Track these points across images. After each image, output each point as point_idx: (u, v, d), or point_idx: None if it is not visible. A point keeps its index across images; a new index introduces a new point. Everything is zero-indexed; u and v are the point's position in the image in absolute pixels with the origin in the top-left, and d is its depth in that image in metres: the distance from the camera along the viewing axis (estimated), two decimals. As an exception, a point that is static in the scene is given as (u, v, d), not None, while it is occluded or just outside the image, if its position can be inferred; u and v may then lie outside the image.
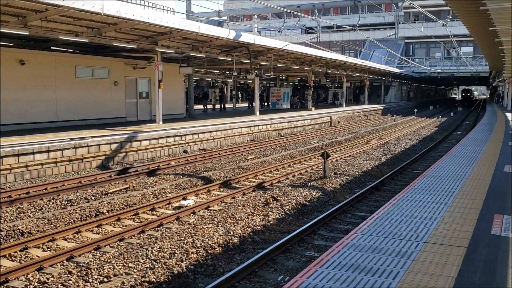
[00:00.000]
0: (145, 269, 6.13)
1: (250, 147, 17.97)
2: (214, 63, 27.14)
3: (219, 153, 16.19)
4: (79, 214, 8.67)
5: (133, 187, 10.95)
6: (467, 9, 13.42)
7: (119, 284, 5.70)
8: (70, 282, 5.77)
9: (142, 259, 6.46)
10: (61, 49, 17.45)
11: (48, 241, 7.32)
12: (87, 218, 8.65)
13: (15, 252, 6.86)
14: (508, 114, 29.91)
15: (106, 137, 13.87)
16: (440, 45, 57.75)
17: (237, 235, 7.50)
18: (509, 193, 7.11)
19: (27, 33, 13.29)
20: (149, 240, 7.23)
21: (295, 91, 43.54)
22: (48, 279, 5.90)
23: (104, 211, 9.02)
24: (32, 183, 11.22)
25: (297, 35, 52.28)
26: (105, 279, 5.84)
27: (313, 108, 32.96)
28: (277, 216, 8.71)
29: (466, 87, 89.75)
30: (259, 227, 8.00)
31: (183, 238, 7.27)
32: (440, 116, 39.00)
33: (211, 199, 9.95)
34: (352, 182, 11.91)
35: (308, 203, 9.65)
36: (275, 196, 9.95)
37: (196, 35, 17.17)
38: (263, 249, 6.90)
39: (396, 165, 14.46)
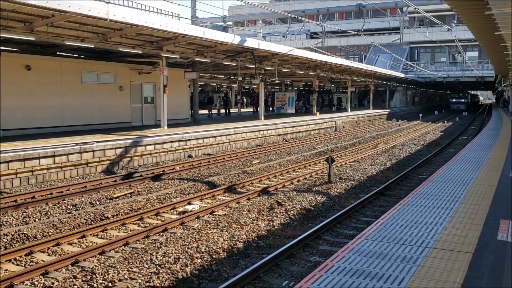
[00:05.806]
0: (149, 274, 6.13)
1: (255, 152, 17.97)
2: (219, 68, 27.22)
3: (223, 158, 16.20)
4: (84, 219, 8.70)
5: (138, 192, 10.97)
6: (472, 14, 13.38)
7: (124, 289, 5.70)
8: (75, 286, 5.78)
9: (147, 264, 6.46)
10: (67, 54, 17.56)
11: (53, 246, 7.34)
12: (92, 222, 8.67)
13: (20, 256, 6.88)
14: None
15: (111, 142, 13.92)
16: (445, 50, 57.62)
17: (241, 240, 7.49)
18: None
19: (33, 39, 13.39)
20: (154, 245, 7.24)
21: (299, 96, 43.54)
22: (53, 283, 5.91)
23: (109, 215, 9.04)
24: (37, 187, 11.28)
25: (302, 40, 52.32)
26: (110, 284, 5.85)
27: (318, 113, 32.94)
28: (282, 221, 8.70)
29: (460, 94, 62.43)
30: (263, 232, 7.99)
31: (187, 243, 7.27)
32: (446, 121, 38.83)
33: (215, 204, 9.94)
34: (357, 187, 11.87)
35: (312, 208, 9.63)
36: (279, 201, 9.93)
37: (201, 41, 17.24)
38: (267, 254, 6.89)
39: (401, 170, 14.41)
